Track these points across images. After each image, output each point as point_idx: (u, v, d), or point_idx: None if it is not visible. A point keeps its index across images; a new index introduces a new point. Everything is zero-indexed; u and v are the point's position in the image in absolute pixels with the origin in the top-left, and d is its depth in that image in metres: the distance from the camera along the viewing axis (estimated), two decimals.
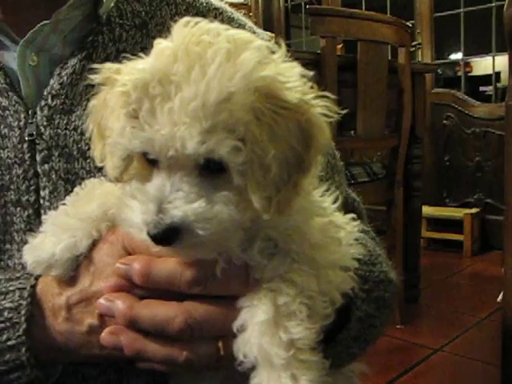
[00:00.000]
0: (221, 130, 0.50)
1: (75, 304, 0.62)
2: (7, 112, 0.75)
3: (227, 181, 0.53)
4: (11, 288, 0.64)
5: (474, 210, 4.57)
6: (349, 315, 0.68)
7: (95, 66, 0.58)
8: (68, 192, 0.74)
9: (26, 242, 0.72)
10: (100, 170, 0.75)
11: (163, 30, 0.87)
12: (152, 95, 0.51)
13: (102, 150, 0.58)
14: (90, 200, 0.64)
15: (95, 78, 0.58)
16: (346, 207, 0.72)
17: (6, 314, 0.63)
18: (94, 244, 0.63)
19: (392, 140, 2.98)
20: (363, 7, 5.30)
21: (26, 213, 0.74)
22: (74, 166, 0.75)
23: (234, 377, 0.60)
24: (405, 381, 2.48)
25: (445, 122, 4.77)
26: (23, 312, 0.62)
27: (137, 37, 0.82)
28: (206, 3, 0.92)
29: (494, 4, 4.68)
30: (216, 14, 0.91)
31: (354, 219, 0.65)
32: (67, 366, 0.68)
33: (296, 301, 0.54)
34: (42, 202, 0.74)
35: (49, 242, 0.62)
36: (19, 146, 0.74)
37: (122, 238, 0.61)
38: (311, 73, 0.56)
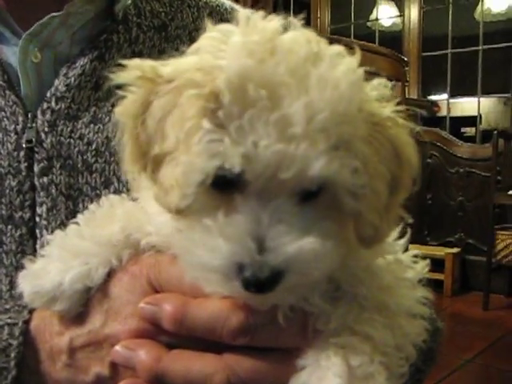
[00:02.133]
0: (343, 148, 0.41)
1: (81, 348, 0.50)
2: (3, 114, 0.66)
3: (326, 207, 0.43)
4: None
5: (455, 250, 4.55)
6: None
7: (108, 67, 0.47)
8: (69, 210, 0.65)
9: (18, 267, 0.61)
10: (107, 186, 0.67)
11: (183, 34, 0.80)
12: (252, 100, 0.39)
13: (142, 172, 0.45)
14: (109, 221, 0.52)
15: (118, 78, 0.45)
16: None
17: None
18: (110, 275, 0.51)
19: None
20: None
21: (19, 232, 0.64)
22: (77, 180, 0.66)
23: None
24: None
25: (428, 160, 4.78)
26: (13, 355, 0.50)
27: (155, 39, 0.75)
28: (231, 9, 0.85)
29: (480, 47, 4.75)
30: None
31: (419, 257, 0.55)
32: None
33: (374, 360, 0.44)
34: (37, 219, 0.64)
35: (54, 268, 0.50)
36: (15, 154, 0.65)
37: (147, 271, 0.49)
38: (390, 83, 0.49)
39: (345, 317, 0.45)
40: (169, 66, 0.44)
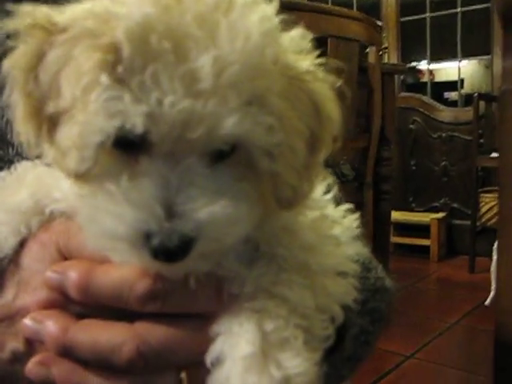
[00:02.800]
0: (256, 103, 0.38)
1: None
2: None
3: (241, 167, 0.40)
4: None
5: (440, 215, 4.55)
6: (341, 331, 0.53)
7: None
8: None
9: None
10: (38, 157, 0.63)
11: None
12: (155, 53, 0.36)
13: (37, 132, 0.41)
14: (19, 188, 0.49)
15: (7, 25, 0.40)
16: None
17: None
18: (22, 244, 0.48)
19: (362, 141, 2.92)
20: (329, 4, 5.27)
21: None
22: (7, 152, 0.62)
23: None
24: None
25: (411, 126, 4.76)
26: None
27: None
28: None
29: (459, 9, 4.70)
30: None
31: (350, 211, 0.52)
32: None
33: (289, 324, 0.41)
34: None
35: None
36: None
37: (56, 238, 0.46)
38: (310, 35, 0.45)
39: (260, 279, 0.42)
40: (65, 14, 0.40)
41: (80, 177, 0.40)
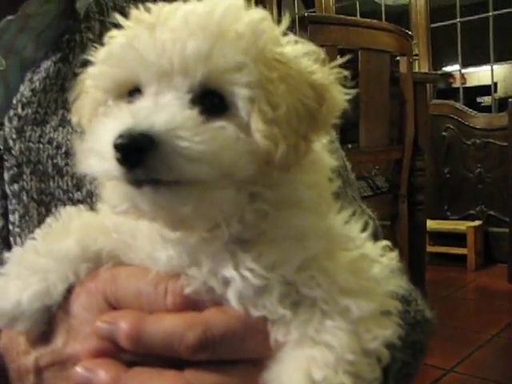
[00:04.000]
0: (227, 44, 0.43)
1: (46, 367, 0.49)
2: None
3: (227, 118, 0.43)
4: None
5: (476, 223, 4.47)
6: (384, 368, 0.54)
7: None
8: (42, 216, 0.63)
9: None
10: (79, 189, 0.65)
11: None
12: (150, 22, 0.45)
13: (80, 110, 0.51)
14: (65, 234, 0.50)
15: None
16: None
17: None
18: (69, 291, 0.50)
19: (395, 152, 2.89)
20: (358, 16, 5.25)
21: None
22: (48, 185, 0.65)
23: None
24: None
25: (444, 133, 4.70)
26: None
27: None
28: None
29: (491, 13, 4.63)
30: None
31: (388, 248, 0.52)
32: None
33: (338, 371, 0.42)
34: (11, 228, 0.63)
35: (13, 287, 0.49)
36: None
37: (103, 286, 0.48)
38: (319, 50, 0.48)
39: (305, 326, 0.43)
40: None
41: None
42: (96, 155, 0.42)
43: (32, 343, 0.50)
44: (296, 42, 0.48)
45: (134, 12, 0.47)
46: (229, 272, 0.43)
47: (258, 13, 0.46)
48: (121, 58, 0.45)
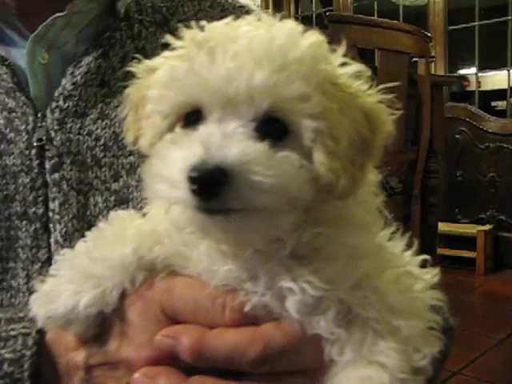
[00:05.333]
0: (291, 73, 0.44)
1: (97, 366, 0.51)
2: (14, 114, 0.68)
3: (290, 146, 0.45)
4: (13, 333, 0.53)
5: (487, 227, 4.47)
6: None
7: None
8: (80, 204, 0.67)
9: (34, 261, 0.65)
10: (116, 179, 0.69)
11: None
12: (211, 46, 0.45)
13: (137, 130, 0.52)
14: (121, 242, 0.52)
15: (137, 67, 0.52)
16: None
17: (5, 367, 0.51)
18: (123, 296, 0.51)
19: (410, 153, 2.90)
20: (375, 16, 5.24)
21: (33, 227, 0.66)
22: (87, 175, 0.68)
23: None
24: None
25: (457, 136, 4.69)
26: (26, 366, 0.51)
27: (157, 34, 0.77)
28: (232, 0, 0.86)
29: (510, 17, 4.61)
30: (242, 12, 0.84)
31: (428, 262, 0.54)
32: None
33: None
34: (50, 214, 0.66)
35: (66, 291, 0.50)
36: (27, 153, 0.67)
37: (159, 297, 0.50)
38: (366, 69, 0.51)
39: (359, 346, 0.45)
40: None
41: (152, 146, 0.49)
42: (167, 182, 0.43)
43: (82, 342, 0.51)
44: (346, 64, 0.49)
45: (187, 33, 0.48)
46: (287, 284, 0.45)
47: (315, 37, 0.47)
48: (183, 83, 0.46)
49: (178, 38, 0.49)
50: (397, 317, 0.47)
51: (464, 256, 4.46)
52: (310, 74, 0.45)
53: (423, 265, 0.53)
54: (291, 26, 0.47)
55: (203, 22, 0.48)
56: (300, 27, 0.48)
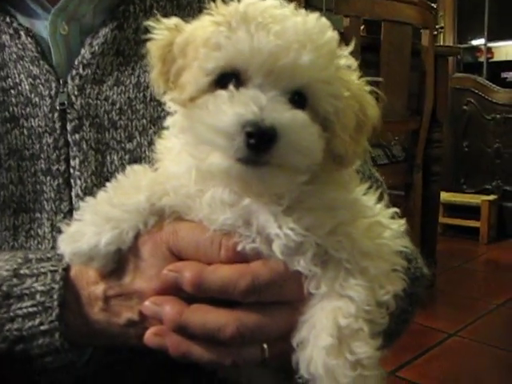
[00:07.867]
0: (325, 58, 0.53)
1: (113, 297, 0.59)
2: (38, 81, 0.75)
3: (312, 118, 0.53)
4: (43, 270, 0.62)
5: (491, 197, 4.53)
6: None
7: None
8: (98, 162, 0.74)
9: (57, 212, 0.73)
10: (131, 140, 0.76)
11: (194, 1, 0.86)
12: (258, 22, 0.51)
13: (165, 83, 0.57)
14: (136, 191, 0.60)
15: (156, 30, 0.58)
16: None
17: (38, 297, 0.60)
18: (136, 237, 0.59)
19: (413, 123, 2.95)
20: None
21: (56, 182, 0.74)
22: (104, 136, 0.75)
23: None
24: (419, 363, 2.48)
25: (464, 107, 4.71)
26: (55, 296, 0.60)
27: (167, 7, 0.82)
28: None
29: None
30: None
31: (397, 214, 0.64)
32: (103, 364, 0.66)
33: (358, 319, 0.53)
34: (71, 171, 0.74)
35: (89, 231, 0.58)
36: (50, 115, 0.74)
37: (167, 238, 0.58)
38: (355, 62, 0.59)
39: (333, 282, 0.54)
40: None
41: (191, 100, 0.55)
42: (221, 133, 0.50)
43: (101, 276, 0.60)
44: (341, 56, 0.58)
45: (228, 4, 0.55)
46: (274, 230, 0.54)
47: (331, 29, 0.56)
48: (232, 48, 0.51)
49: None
50: (366, 259, 0.56)
51: (468, 225, 4.53)
52: (334, 62, 0.55)
53: (392, 217, 0.63)
54: (319, 17, 0.56)
55: None
56: (325, 20, 0.56)
